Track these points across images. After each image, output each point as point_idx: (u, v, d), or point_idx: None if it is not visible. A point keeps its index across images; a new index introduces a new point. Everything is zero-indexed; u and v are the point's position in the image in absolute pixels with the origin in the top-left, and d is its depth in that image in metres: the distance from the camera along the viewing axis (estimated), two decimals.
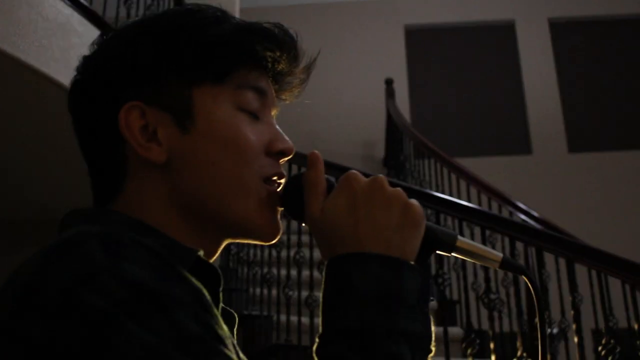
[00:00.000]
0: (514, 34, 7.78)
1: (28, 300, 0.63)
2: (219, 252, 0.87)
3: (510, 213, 4.73)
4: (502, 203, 4.76)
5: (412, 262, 0.78)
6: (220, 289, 0.80)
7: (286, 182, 0.86)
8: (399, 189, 0.80)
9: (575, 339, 2.87)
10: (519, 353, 2.92)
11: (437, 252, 0.83)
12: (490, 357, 3.08)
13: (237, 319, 0.90)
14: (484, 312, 3.81)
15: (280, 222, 0.87)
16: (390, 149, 6.71)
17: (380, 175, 0.81)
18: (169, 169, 0.82)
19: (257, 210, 0.84)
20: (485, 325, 3.90)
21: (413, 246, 0.79)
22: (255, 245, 4.61)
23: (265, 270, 4.27)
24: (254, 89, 0.87)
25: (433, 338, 0.75)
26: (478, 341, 3.06)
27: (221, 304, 0.84)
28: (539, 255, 3.20)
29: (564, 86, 7.50)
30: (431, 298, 0.80)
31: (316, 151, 0.85)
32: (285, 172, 0.88)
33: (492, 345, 3.01)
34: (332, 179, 0.84)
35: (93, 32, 3.68)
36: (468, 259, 0.84)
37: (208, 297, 0.71)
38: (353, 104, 7.54)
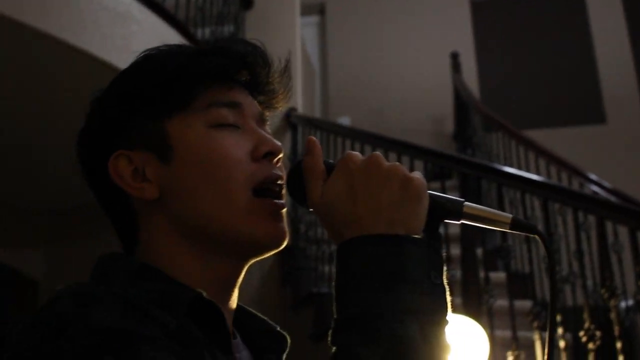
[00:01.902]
0: (584, 1, 7.52)
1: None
2: (240, 276, 0.89)
3: (581, 184, 4.61)
4: (571, 174, 4.65)
5: (417, 236, 0.77)
6: (225, 323, 0.82)
7: (289, 170, 0.86)
8: (396, 163, 0.78)
9: None
10: (586, 325, 2.85)
11: (446, 220, 0.82)
12: (557, 330, 3.01)
13: (288, 340, 0.94)
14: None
15: (283, 226, 0.87)
16: (459, 124, 6.63)
17: (376, 152, 0.80)
18: (164, 203, 0.86)
19: (250, 222, 0.84)
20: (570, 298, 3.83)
21: (418, 220, 0.78)
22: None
23: (333, 247, 4.29)
24: (225, 105, 0.88)
25: (448, 309, 0.74)
26: (544, 313, 3.00)
27: (265, 329, 0.91)
28: (600, 227, 3.10)
29: (638, 53, 7.23)
30: (445, 268, 0.78)
31: (313, 137, 0.84)
32: (281, 173, 0.88)
33: (558, 318, 2.94)
34: (333, 162, 0.83)
35: (152, 19, 3.74)
36: (478, 224, 0.83)
37: (196, 333, 0.76)
38: (420, 79, 7.45)
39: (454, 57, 6.75)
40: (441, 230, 0.84)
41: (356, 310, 0.71)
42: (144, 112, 0.87)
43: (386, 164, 0.78)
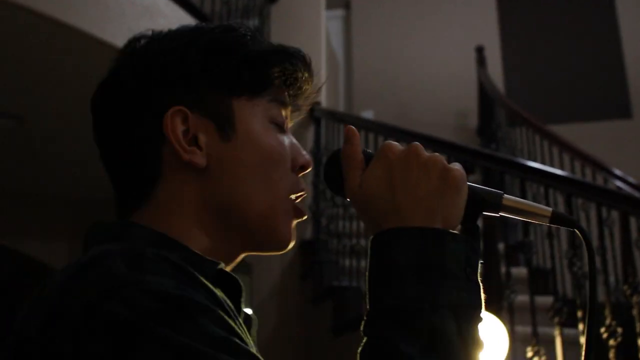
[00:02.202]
0: None
1: (55, 317, 0.65)
2: (235, 263, 0.90)
3: (605, 180, 4.57)
4: (595, 169, 4.61)
5: (457, 229, 0.78)
6: (242, 298, 0.83)
7: (327, 159, 0.86)
8: (436, 154, 0.79)
9: None
10: (608, 321, 2.84)
11: (485, 213, 0.82)
12: (577, 326, 3.00)
13: (257, 321, 0.92)
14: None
15: (294, 233, 0.89)
16: (483, 118, 6.59)
17: (415, 142, 0.80)
18: (206, 174, 0.85)
19: (282, 222, 0.87)
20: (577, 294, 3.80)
21: (456, 211, 0.78)
22: (344, 217, 4.66)
23: (354, 241, 4.30)
24: (281, 103, 0.91)
25: (482, 305, 0.74)
26: (566, 310, 2.99)
27: (243, 311, 0.88)
28: (623, 222, 3.08)
29: None
30: (481, 261, 0.78)
31: (351, 126, 0.84)
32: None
33: (579, 314, 2.93)
34: (371, 153, 0.83)
35: (179, 13, 3.77)
36: (517, 217, 0.83)
37: (230, 304, 0.75)
38: (444, 73, 7.41)
39: (479, 51, 6.70)
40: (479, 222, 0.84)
41: (395, 302, 0.71)
42: (217, 82, 0.87)
43: (425, 154, 0.78)
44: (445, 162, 0.79)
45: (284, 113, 0.91)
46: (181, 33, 0.90)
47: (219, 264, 0.80)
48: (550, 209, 0.82)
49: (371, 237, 0.77)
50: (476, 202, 0.81)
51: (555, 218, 0.81)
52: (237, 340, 0.66)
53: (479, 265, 0.76)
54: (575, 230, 0.82)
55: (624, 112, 7.04)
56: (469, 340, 0.71)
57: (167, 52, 0.87)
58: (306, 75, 0.92)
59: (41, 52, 3.41)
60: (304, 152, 0.91)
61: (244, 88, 0.87)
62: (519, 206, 0.82)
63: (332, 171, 0.85)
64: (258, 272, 4.90)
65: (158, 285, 0.66)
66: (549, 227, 3.51)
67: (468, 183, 0.81)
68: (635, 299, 2.84)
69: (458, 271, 0.73)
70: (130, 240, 0.79)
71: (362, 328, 0.74)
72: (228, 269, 0.86)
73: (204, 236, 0.85)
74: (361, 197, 0.79)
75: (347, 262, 4.38)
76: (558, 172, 3.38)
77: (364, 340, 0.73)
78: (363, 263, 4.21)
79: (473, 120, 7.06)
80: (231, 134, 0.85)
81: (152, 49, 0.89)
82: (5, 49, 3.41)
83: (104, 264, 0.68)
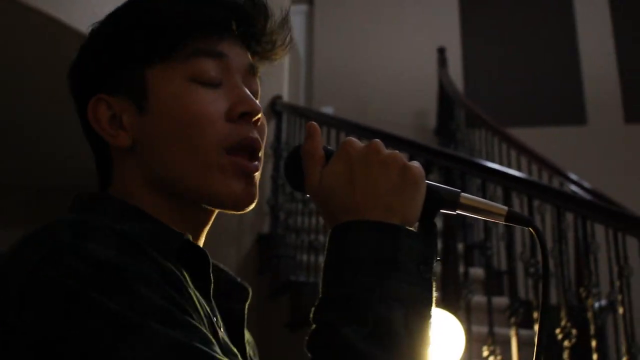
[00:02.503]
0: (571, 1, 7.56)
1: (2, 284, 0.68)
2: (211, 220, 0.89)
3: (561, 184, 4.64)
4: (552, 173, 4.68)
5: (413, 226, 0.78)
6: (210, 269, 0.82)
7: (287, 155, 0.86)
8: (395, 151, 0.79)
9: (621, 310, 2.80)
10: (563, 323, 2.87)
11: (442, 210, 0.82)
12: (533, 327, 3.03)
13: (249, 291, 0.93)
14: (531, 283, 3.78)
15: (253, 189, 0.86)
16: (441, 119, 6.64)
17: (376, 139, 0.80)
18: (136, 152, 0.86)
19: (221, 182, 0.84)
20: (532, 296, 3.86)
21: (414, 208, 0.78)
22: (303, 213, 4.64)
23: (313, 237, 4.29)
24: (208, 54, 0.86)
25: (433, 303, 0.74)
26: (522, 310, 3.02)
27: (228, 279, 0.90)
28: (585, 226, 3.13)
29: (622, 54, 7.27)
30: (438, 258, 0.79)
31: (313, 122, 0.83)
32: (257, 136, 0.86)
33: (535, 315, 2.96)
34: (332, 149, 0.83)
35: None
36: (474, 215, 0.83)
37: (184, 277, 0.76)
38: (405, 72, 7.45)
39: (441, 51, 6.75)
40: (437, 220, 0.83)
41: (344, 291, 0.71)
42: (127, 57, 0.86)
43: (385, 151, 0.78)
44: (405, 159, 0.79)
45: (216, 64, 0.86)
46: (104, 19, 0.90)
47: (183, 235, 0.80)
48: (506, 207, 0.82)
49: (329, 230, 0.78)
50: (434, 200, 0.81)
51: (510, 217, 0.81)
52: (177, 311, 0.67)
53: (434, 263, 0.76)
54: (530, 229, 0.83)
55: (579, 118, 7.16)
56: (415, 335, 0.71)
57: (87, 44, 0.90)
58: (243, 13, 0.88)
59: (3, 34, 3.35)
60: (248, 97, 0.86)
61: (152, 55, 0.85)
62: (475, 204, 0.82)
63: (292, 167, 0.84)
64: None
65: (97, 253, 0.67)
66: (506, 228, 3.55)
67: (426, 181, 0.81)
68: (590, 301, 2.88)
69: (411, 267, 0.73)
70: (98, 211, 0.82)
71: (311, 315, 0.74)
72: (206, 227, 0.89)
73: (164, 205, 0.85)
74: (321, 192, 0.79)
75: (305, 258, 4.37)
76: (518, 174, 3.41)
77: (312, 327, 0.73)
78: (321, 259, 4.18)
79: (431, 121, 7.11)
80: (146, 107, 0.85)
81: (84, 43, 0.91)
82: None
83: (50, 232, 0.70)
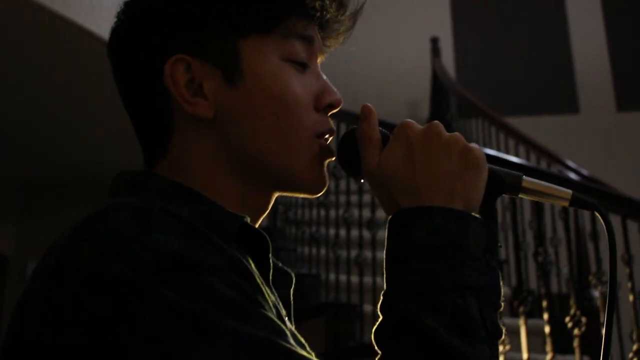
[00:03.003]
0: None
1: (59, 272, 0.63)
2: (270, 204, 0.85)
3: (560, 172, 4.62)
4: (551, 161, 4.66)
5: (477, 211, 0.76)
6: (270, 254, 0.78)
7: (341, 138, 0.83)
8: (457, 133, 0.77)
9: (631, 298, 2.78)
10: (572, 311, 2.85)
11: (504, 194, 0.81)
12: (542, 317, 3.01)
13: (293, 277, 0.89)
14: (532, 273, 3.76)
15: (327, 175, 0.85)
16: (435, 109, 6.62)
17: (436, 121, 0.78)
18: (217, 124, 0.79)
19: (308, 166, 0.81)
20: (535, 284, 3.85)
21: (477, 191, 0.76)
22: (303, 205, 4.61)
23: (314, 229, 4.26)
24: (301, 38, 0.83)
25: (502, 292, 0.72)
26: (530, 299, 3.00)
27: (272, 265, 0.81)
28: (593, 214, 3.11)
29: (613, 44, 7.31)
30: (499, 244, 0.76)
31: (368, 104, 0.81)
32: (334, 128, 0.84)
33: (544, 304, 2.94)
34: (387, 132, 0.80)
35: None
36: (536, 199, 0.81)
37: (249, 263, 0.71)
38: (398, 63, 7.45)
39: (434, 41, 6.73)
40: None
41: (418, 279, 0.69)
42: (222, 23, 0.80)
43: (446, 133, 0.76)
44: (466, 141, 0.76)
45: (305, 48, 0.84)
46: None
47: (243, 217, 0.75)
48: (570, 191, 0.80)
49: (390, 216, 0.75)
50: (496, 184, 0.79)
51: (575, 200, 0.80)
52: (250, 303, 0.63)
53: (498, 252, 0.74)
54: (596, 212, 0.81)
55: (572, 106, 7.18)
56: (489, 324, 0.69)
57: None
58: (330, 1, 0.85)
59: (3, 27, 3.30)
60: (334, 90, 0.85)
61: (250, 27, 0.80)
62: (538, 188, 0.80)
63: (347, 150, 0.82)
64: None
65: (163, 244, 0.62)
66: (512, 218, 3.53)
67: (488, 164, 0.78)
68: (599, 289, 2.87)
69: (479, 254, 0.71)
70: (147, 191, 0.76)
71: (379, 306, 0.71)
72: (264, 214, 0.85)
73: (228, 185, 0.80)
74: (380, 177, 0.77)
75: (306, 250, 4.34)
76: (519, 160, 3.39)
77: (380, 318, 0.70)
78: (323, 251, 4.17)
79: (425, 111, 7.09)
80: (238, 80, 0.79)
81: None
82: None
83: (108, 220, 0.64)
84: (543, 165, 4.74)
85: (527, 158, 4.80)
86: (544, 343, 2.90)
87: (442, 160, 0.74)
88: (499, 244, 0.76)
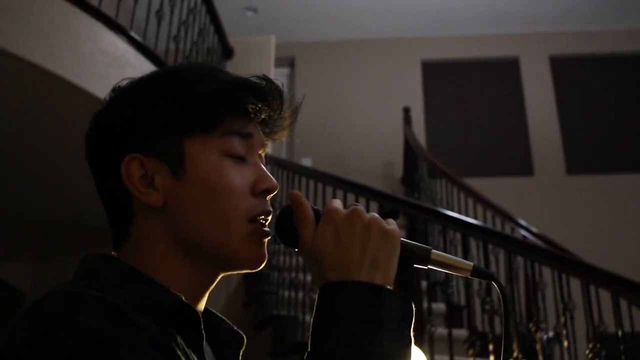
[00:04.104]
0: (518, 68, 7.76)
1: (3, 348, 0.67)
2: (214, 283, 0.89)
3: (512, 229, 4.70)
4: (504, 219, 4.74)
5: (392, 281, 0.78)
6: (201, 326, 0.81)
7: (278, 216, 0.86)
8: (375, 216, 0.80)
9: (565, 344, 2.84)
10: (515, 354, 2.90)
11: (415, 265, 0.83)
12: (489, 357, 3.06)
13: (244, 339, 0.92)
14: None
15: (265, 252, 0.87)
16: (407, 169, 6.72)
17: (358, 206, 0.81)
18: (166, 211, 0.84)
19: (242, 246, 0.84)
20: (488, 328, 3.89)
21: (393, 265, 0.79)
22: (284, 253, 4.64)
23: (293, 275, 4.29)
24: (239, 135, 0.87)
25: (410, 357, 0.74)
26: (479, 342, 3.05)
27: (226, 328, 0.88)
28: (533, 267, 3.19)
29: (563, 115, 7.47)
30: (413, 311, 0.79)
31: (294, 191, 0.84)
32: (270, 208, 0.88)
33: (491, 347, 2.99)
34: (318, 208, 0.84)
35: (145, 64, 3.75)
36: (443, 270, 0.83)
37: (175, 336, 0.75)
38: (374, 128, 7.56)
39: (406, 111, 6.86)
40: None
41: (330, 348, 0.71)
42: (168, 126, 0.85)
43: (366, 216, 0.79)
44: (384, 223, 0.79)
45: (243, 143, 0.87)
46: (140, 82, 0.89)
47: (178, 296, 0.79)
48: (471, 263, 0.83)
49: (318, 289, 0.78)
50: (409, 256, 0.82)
51: (476, 272, 0.82)
52: None
53: (413, 320, 0.76)
54: (493, 283, 0.83)
55: (527, 169, 7.29)
56: None
57: (123, 104, 0.87)
58: (264, 105, 0.88)
59: (19, 94, 3.35)
60: (269, 177, 0.88)
61: (192, 128, 0.84)
62: (445, 260, 0.83)
63: (284, 227, 0.85)
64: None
65: (87, 325, 0.66)
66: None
67: (402, 240, 0.81)
68: (538, 335, 2.92)
69: (393, 325, 0.73)
70: (96, 277, 0.80)
71: None
72: (208, 290, 0.87)
73: (178, 264, 0.84)
74: (312, 253, 0.79)
75: (286, 293, 4.37)
76: (474, 221, 3.47)
77: None
78: (300, 295, 4.20)
79: (398, 171, 7.19)
80: (182, 174, 0.84)
81: (113, 102, 0.88)
82: None
83: (43, 306, 0.69)
84: (497, 222, 4.82)
85: (484, 215, 4.88)
86: None
87: (364, 240, 0.77)
88: (413, 311, 0.78)
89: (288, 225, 0.84)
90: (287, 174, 4.95)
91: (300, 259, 4.36)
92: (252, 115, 0.88)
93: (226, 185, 0.84)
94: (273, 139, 0.95)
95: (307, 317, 4.03)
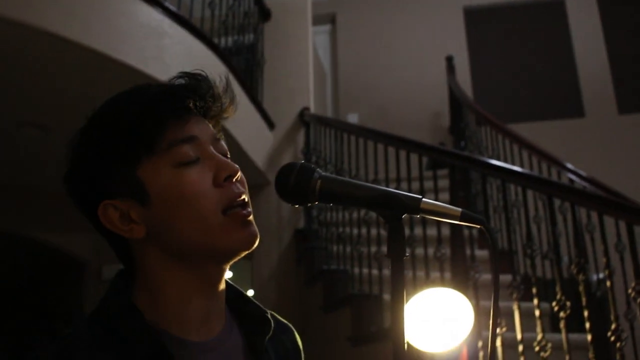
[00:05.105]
0: (564, 9, 7.52)
1: None
2: (223, 276, 0.95)
3: (559, 173, 4.64)
4: (550, 164, 4.68)
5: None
6: None
7: (277, 176, 0.88)
8: None
9: (608, 283, 2.84)
10: (558, 296, 2.91)
11: (407, 213, 0.85)
12: (532, 301, 3.07)
13: (271, 325, 0.99)
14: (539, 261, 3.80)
15: (252, 230, 0.91)
16: (453, 119, 6.66)
17: None
18: (152, 236, 0.90)
19: (225, 238, 0.89)
20: (540, 272, 3.88)
21: None
22: (332, 208, 4.70)
23: (341, 229, 4.36)
24: (183, 141, 0.89)
25: None
26: (522, 286, 3.06)
27: (257, 316, 0.96)
28: (573, 209, 3.17)
29: (612, 53, 7.22)
30: (406, 255, 0.84)
31: None
32: (245, 190, 0.92)
33: (534, 290, 3.00)
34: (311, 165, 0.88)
35: (181, 33, 3.80)
36: (434, 218, 0.85)
37: None
38: (420, 80, 7.48)
39: (449, 60, 6.78)
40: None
41: None
42: (115, 162, 0.88)
43: None
44: None
45: (192, 146, 0.90)
46: (80, 135, 0.92)
47: (157, 338, 0.86)
48: (459, 209, 0.84)
49: None
50: (399, 206, 0.84)
51: (464, 217, 0.83)
52: None
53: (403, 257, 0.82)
54: (482, 227, 0.84)
55: (577, 111, 7.13)
56: None
57: (77, 161, 0.92)
58: (196, 101, 0.92)
59: (65, 70, 3.46)
60: (226, 163, 0.91)
61: (136, 155, 0.88)
62: (434, 208, 0.84)
63: (282, 181, 0.87)
64: (258, 257, 4.96)
65: None
66: (510, 214, 3.60)
67: (392, 190, 0.85)
68: (581, 277, 2.92)
69: None
70: (109, 306, 0.90)
71: None
72: (220, 285, 0.94)
73: (181, 274, 0.90)
74: None
75: (334, 248, 4.45)
76: (514, 167, 3.45)
77: None
78: (348, 248, 4.27)
79: (446, 121, 7.14)
80: (147, 200, 0.88)
81: (73, 157, 0.93)
82: (34, 69, 3.46)
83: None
84: (544, 167, 4.76)
85: (530, 161, 4.83)
86: (536, 325, 2.97)
87: None
88: (404, 253, 0.83)
89: (286, 181, 0.86)
90: (331, 131, 4.97)
91: (347, 213, 4.43)
92: (186, 113, 0.91)
93: (188, 192, 0.88)
94: (223, 118, 0.98)
95: (356, 270, 4.12)
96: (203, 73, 0.94)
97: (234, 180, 0.91)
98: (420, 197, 0.85)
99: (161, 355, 0.84)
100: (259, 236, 0.92)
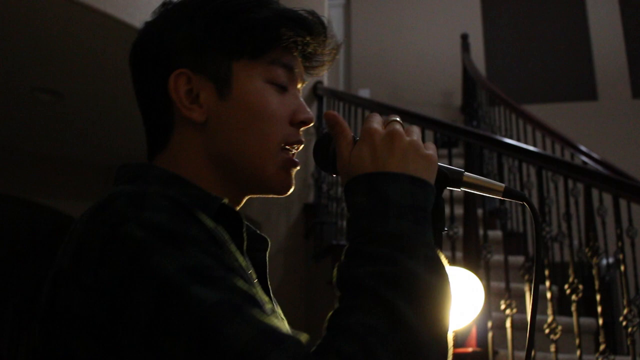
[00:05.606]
0: None
1: (80, 250, 0.72)
2: (242, 203, 0.93)
3: (572, 155, 4.60)
4: (564, 145, 4.64)
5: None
6: (244, 229, 0.84)
7: (317, 141, 0.86)
8: (414, 138, 0.78)
9: (622, 268, 2.81)
10: (570, 279, 2.89)
11: (449, 188, 0.83)
12: (544, 283, 3.06)
13: (269, 242, 0.96)
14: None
15: (293, 180, 0.90)
16: (466, 98, 6.60)
17: (397, 122, 0.79)
18: (206, 129, 0.87)
19: (273, 172, 0.88)
20: (549, 255, 3.87)
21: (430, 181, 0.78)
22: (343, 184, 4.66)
23: None
24: (283, 66, 0.89)
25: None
26: (534, 268, 3.04)
27: (251, 233, 0.91)
28: (587, 192, 3.13)
29: (629, 36, 7.12)
30: (445, 229, 0.81)
31: (330, 111, 0.82)
32: (304, 140, 0.90)
33: (546, 272, 2.98)
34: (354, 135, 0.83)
35: None
36: (476, 192, 0.84)
37: (225, 235, 0.77)
38: (433, 57, 7.40)
39: (464, 38, 6.69)
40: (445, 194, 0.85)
41: (395, 231, 0.71)
42: (219, 47, 0.87)
43: (405, 138, 0.77)
44: (422, 145, 0.78)
45: (286, 74, 0.90)
46: (192, 1, 0.90)
47: (222, 199, 0.82)
48: (503, 184, 0.83)
49: (354, 177, 0.76)
50: (442, 179, 0.82)
51: (507, 192, 0.83)
52: (220, 270, 0.69)
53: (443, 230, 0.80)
54: (524, 203, 0.83)
55: (591, 94, 7.05)
56: (447, 274, 0.73)
57: (176, 19, 0.89)
58: (310, 39, 0.90)
59: (77, 36, 3.42)
60: (307, 110, 0.91)
61: (242, 52, 0.87)
62: (477, 182, 0.83)
63: (322, 151, 0.85)
64: (266, 230, 4.93)
65: (152, 220, 0.70)
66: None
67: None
68: (595, 260, 2.89)
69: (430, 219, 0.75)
70: (144, 179, 0.83)
71: (347, 249, 0.74)
72: (236, 208, 0.90)
73: (209, 179, 0.87)
74: (349, 173, 0.78)
75: (344, 224, 4.41)
76: (530, 147, 3.41)
77: (349, 257, 0.73)
78: None
79: (457, 100, 7.07)
80: (227, 94, 0.87)
81: (166, 16, 0.90)
82: (46, 35, 3.42)
83: (111, 205, 0.73)
84: (557, 149, 4.72)
85: (543, 142, 4.78)
86: (547, 307, 2.95)
87: (401, 163, 0.76)
88: (444, 227, 0.81)
89: (326, 150, 0.85)
90: (344, 105, 4.93)
91: None
92: (298, 48, 0.91)
93: (268, 110, 0.87)
94: (312, 74, 0.97)
95: None
96: (328, 24, 0.93)
97: (302, 129, 0.91)
98: (462, 170, 0.84)
99: (235, 215, 0.83)
100: (292, 190, 0.91)
